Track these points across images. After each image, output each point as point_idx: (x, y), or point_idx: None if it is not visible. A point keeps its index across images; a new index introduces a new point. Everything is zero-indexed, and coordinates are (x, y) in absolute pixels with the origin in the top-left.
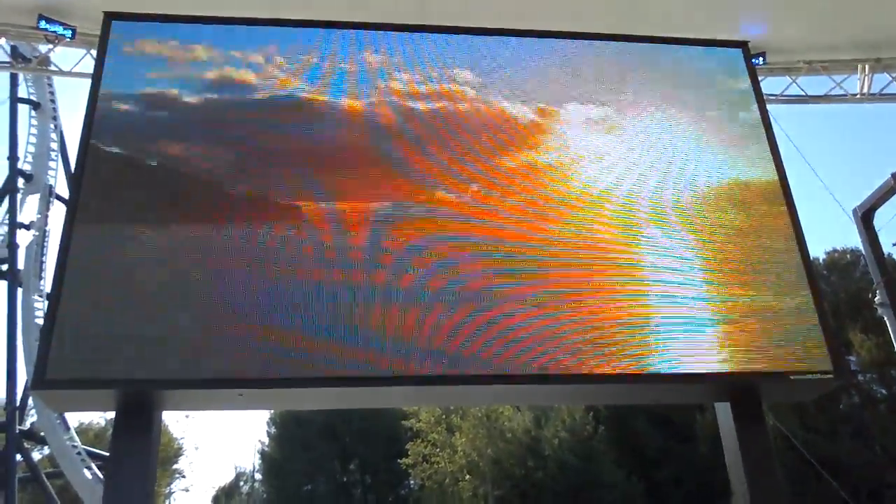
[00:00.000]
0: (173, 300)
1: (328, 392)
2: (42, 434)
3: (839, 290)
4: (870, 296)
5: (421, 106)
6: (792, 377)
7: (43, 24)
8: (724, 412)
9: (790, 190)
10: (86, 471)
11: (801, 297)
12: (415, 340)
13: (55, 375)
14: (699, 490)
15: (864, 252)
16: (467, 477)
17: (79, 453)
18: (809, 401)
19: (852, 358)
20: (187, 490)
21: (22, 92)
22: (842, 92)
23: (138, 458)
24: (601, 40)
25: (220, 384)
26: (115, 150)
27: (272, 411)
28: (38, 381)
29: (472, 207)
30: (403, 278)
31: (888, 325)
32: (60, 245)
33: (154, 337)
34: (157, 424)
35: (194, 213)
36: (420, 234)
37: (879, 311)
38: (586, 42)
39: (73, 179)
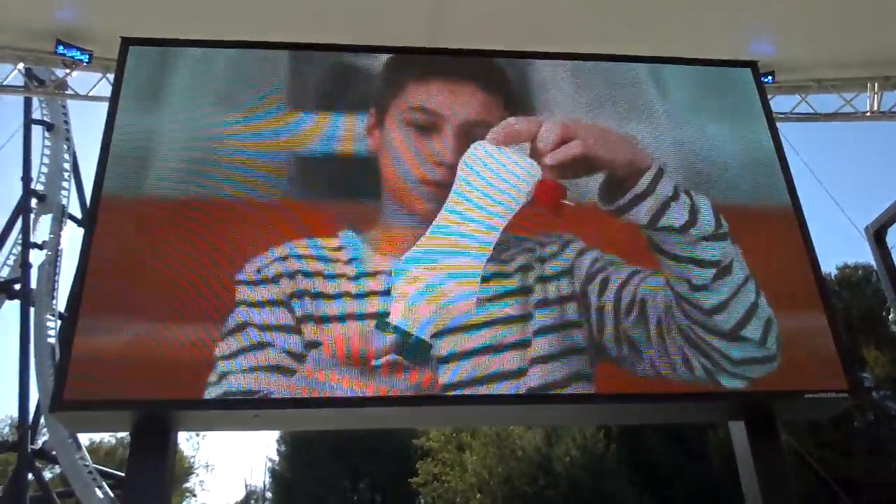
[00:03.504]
0: (190, 319)
1: (344, 413)
2: (53, 453)
3: (852, 305)
4: (884, 314)
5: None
6: (806, 396)
7: (60, 49)
8: (738, 431)
9: (801, 206)
10: (97, 490)
11: (814, 314)
12: (447, 359)
13: (73, 396)
14: None
15: (876, 269)
16: (478, 496)
17: (90, 472)
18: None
19: (866, 375)
20: None
21: (35, 113)
22: (852, 110)
23: (154, 479)
24: (610, 61)
25: (235, 405)
26: (134, 171)
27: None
28: (56, 403)
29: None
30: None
31: None
32: (78, 265)
33: (170, 357)
34: (172, 444)
35: (213, 233)
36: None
37: (894, 328)
38: (595, 63)
39: (91, 198)
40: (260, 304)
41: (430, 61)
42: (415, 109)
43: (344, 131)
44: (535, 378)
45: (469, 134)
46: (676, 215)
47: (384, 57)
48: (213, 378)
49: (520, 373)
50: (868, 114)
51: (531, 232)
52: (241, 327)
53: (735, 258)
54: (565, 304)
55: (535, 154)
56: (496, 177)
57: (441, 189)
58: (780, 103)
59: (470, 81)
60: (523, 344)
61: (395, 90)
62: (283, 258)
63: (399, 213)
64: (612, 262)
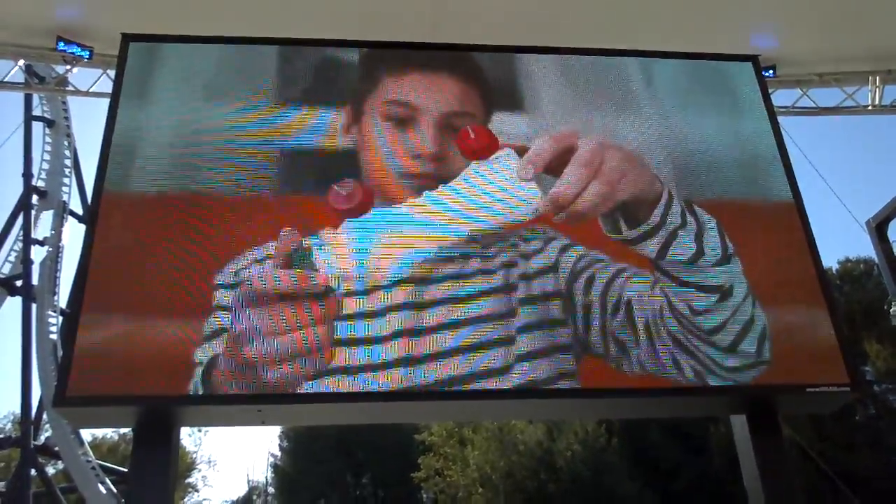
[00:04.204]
0: (189, 317)
1: (346, 407)
2: (56, 449)
3: (853, 299)
4: (885, 307)
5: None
6: (807, 390)
7: (61, 45)
8: (739, 425)
9: (802, 201)
10: (100, 486)
11: (816, 308)
12: (432, 355)
13: (76, 392)
14: (714, 502)
15: (877, 262)
16: (480, 490)
17: (93, 468)
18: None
19: (868, 368)
20: None
21: (36, 110)
22: (853, 103)
23: (157, 474)
24: (610, 55)
25: (238, 400)
26: (134, 167)
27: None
28: (60, 399)
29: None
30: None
31: None
32: (80, 262)
33: (172, 353)
34: (174, 440)
35: (206, 231)
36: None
37: (895, 322)
38: (595, 58)
39: (93, 195)
40: (234, 308)
41: (404, 56)
42: (391, 103)
43: (328, 127)
44: (520, 375)
45: (449, 125)
46: (684, 247)
47: (363, 53)
48: (190, 388)
49: (504, 370)
50: (869, 107)
51: (514, 226)
52: (218, 333)
53: (736, 279)
54: (549, 302)
55: (557, 202)
56: (497, 200)
57: (422, 180)
58: (780, 97)
59: (445, 73)
60: (508, 341)
61: (370, 86)
62: (261, 260)
63: (380, 206)
64: (597, 259)
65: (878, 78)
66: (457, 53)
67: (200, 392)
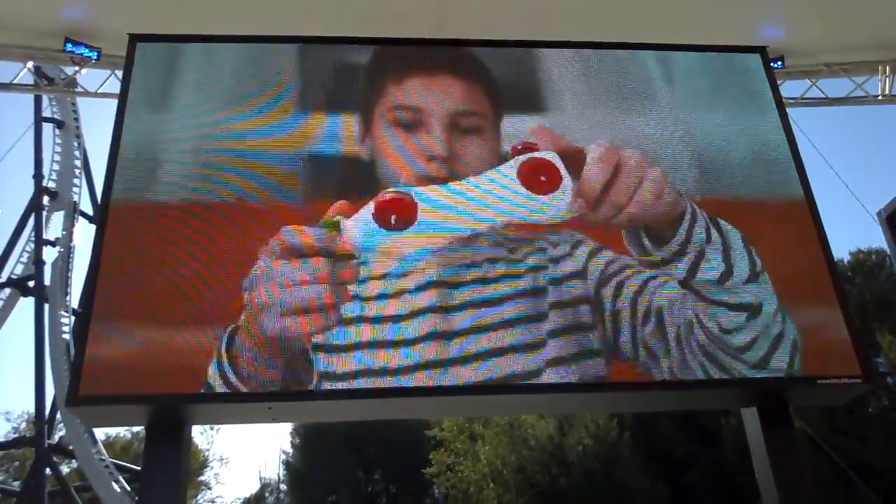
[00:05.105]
0: (202, 320)
1: (356, 404)
2: (70, 448)
3: (865, 291)
4: None
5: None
6: (819, 382)
7: (69, 46)
8: (750, 417)
9: (812, 193)
10: (114, 484)
11: (827, 300)
12: (459, 359)
13: (88, 392)
14: (726, 495)
15: (889, 254)
16: (491, 485)
17: (106, 466)
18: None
19: (880, 360)
20: (213, 502)
21: (45, 111)
22: (863, 94)
23: (169, 472)
24: (617, 49)
25: (248, 398)
26: (144, 171)
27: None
28: (72, 398)
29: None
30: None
31: None
32: (90, 265)
33: (183, 354)
34: (186, 438)
35: (223, 236)
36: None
37: None
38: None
39: (102, 198)
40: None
41: (407, 59)
42: (398, 108)
43: (345, 133)
44: (550, 379)
45: (457, 125)
46: (713, 266)
47: (368, 57)
48: (205, 377)
49: (535, 373)
50: (879, 97)
51: (539, 229)
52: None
53: (766, 295)
54: (578, 307)
55: (591, 223)
56: (527, 210)
57: (436, 183)
58: (789, 88)
59: (448, 74)
60: (537, 345)
61: (377, 91)
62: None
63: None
64: (627, 265)
65: (887, 67)
66: (458, 53)
67: (216, 379)
